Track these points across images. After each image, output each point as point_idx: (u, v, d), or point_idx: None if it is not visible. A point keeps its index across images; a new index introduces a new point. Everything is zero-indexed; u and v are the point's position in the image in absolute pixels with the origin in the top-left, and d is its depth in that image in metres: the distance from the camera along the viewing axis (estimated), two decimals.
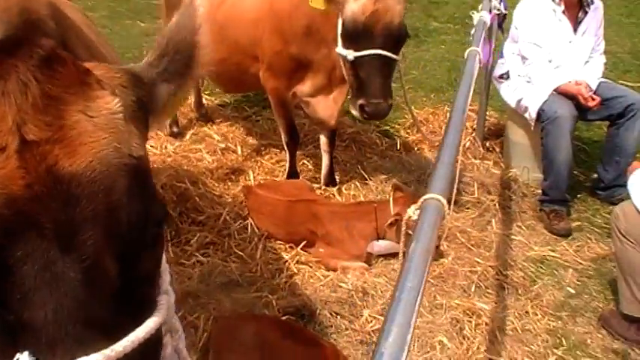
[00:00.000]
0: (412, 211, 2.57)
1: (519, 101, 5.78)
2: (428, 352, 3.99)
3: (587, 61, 5.79)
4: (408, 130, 6.97)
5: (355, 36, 4.48)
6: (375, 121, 6.45)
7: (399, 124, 7.11)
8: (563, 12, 5.68)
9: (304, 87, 5.21)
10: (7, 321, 1.19)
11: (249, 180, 5.83)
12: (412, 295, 1.95)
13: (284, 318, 4.21)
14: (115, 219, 1.25)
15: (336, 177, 5.89)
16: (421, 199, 2.54)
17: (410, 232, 2.59)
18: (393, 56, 4.55)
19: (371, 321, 4.27)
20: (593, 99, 5.37)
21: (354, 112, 4.75)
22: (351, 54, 4.51)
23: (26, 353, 1.16)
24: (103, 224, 1.22)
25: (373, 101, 4.54)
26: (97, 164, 1.23)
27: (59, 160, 1.20)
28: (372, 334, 4.17)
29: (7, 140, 1.19)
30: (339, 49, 4.60)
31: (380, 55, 4.47)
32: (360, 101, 4.59)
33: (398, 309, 1.88)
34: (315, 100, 5.31)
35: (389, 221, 4.65)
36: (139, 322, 1.32)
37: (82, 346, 1.19)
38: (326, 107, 5.33)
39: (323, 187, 5.79)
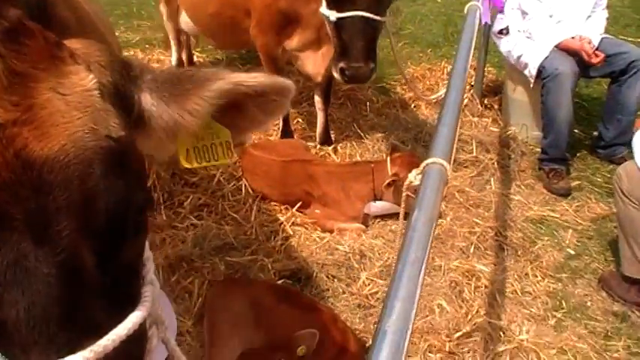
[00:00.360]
0: (413, 176, 2.47)
1: (519, 57, 5.64)
2: (427, 315, 3.92)
3: (589, 16, 5.64)
4: (405, 87, 6.84)
5: None
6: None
7: (395, 81, 7.00)
8: None
9: (293, 42, 5.06)
10: None
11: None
12: (416, 268, 1.86)
13: (280, 282, 4.13)
14: (91, 207, 1.12)
15: (332, 136, 5.77)
16: (423, 164, 2.43)
17: (410, 194, 2.50)
18: (377, 18, 4.34)
19: (368, 284, 4.20)
20: (597, 55, 5.24)
21: (335, 75, 4.56)
22: (333, 15, 4.33)
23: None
24: (78, 213, 1.10)
25: (354, 65, 4.38)
26: (71, 147, 1.10)
27: (29, 144, 1.08)
28: (370, 298, 4.09)
29: None
30: (323, 9, 4.42)
31: (362, 16, 4.28)
32: (341, 64, 4.41)
33: (401, 283, 1.79)
34: (304, 55, 5.18)
35: (386, 182, 4.55)
36: (121, 317, 1.20)
37: (57, 346, 1.08)
38: (314, 63, 5.19)
39: (318, 146, 5.68)
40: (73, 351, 1.08)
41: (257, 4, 4.98)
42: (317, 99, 5.66)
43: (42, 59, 1.14)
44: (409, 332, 1.63)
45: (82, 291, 1.12)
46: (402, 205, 2.72)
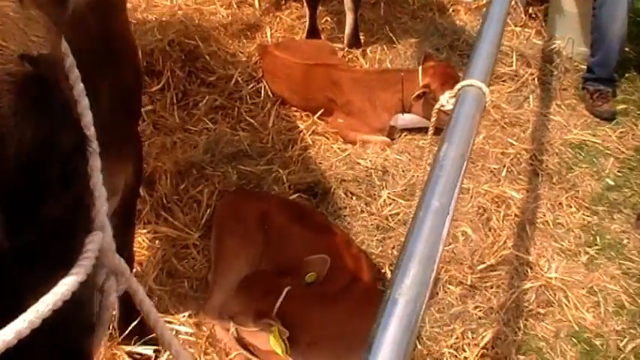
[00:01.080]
0: (446, 99, 2.13)
1: None
2: (450, 243, 3.63)
3: None
4: None
5: None
6: None
7: None
8: None
9: None
10: None
11: (266, 38, 5.32)
12: (439, 218, 1.54)
13: (294, 196, 3.86)
14: (7, 161, 0.85)
15: (361, 38, 5.35)
16: (458, 86, 2.09)
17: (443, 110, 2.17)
18: None
19: (389, 204, 3.91)
20: None
21: None
22: None
23: None
24: None
25: None
26: None
27: None
28: (390, 219, 3.82)
29: None
30: None
31: None
32: None
33: (420, 235, 1.48)
34: None
35: (416, 93, 4.20)
36: (50, 285, 0.93)
37: None
38: None
39: (346, 49, 5.28)
40: None
41: None
42: None
43: None
44: (425, 299, 1.34)
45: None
46: (432, 123, 2.39)
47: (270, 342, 2.84)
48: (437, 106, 2.15)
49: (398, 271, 1.37)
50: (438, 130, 2.35)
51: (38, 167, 0.89)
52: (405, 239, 1.48)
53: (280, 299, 2.90)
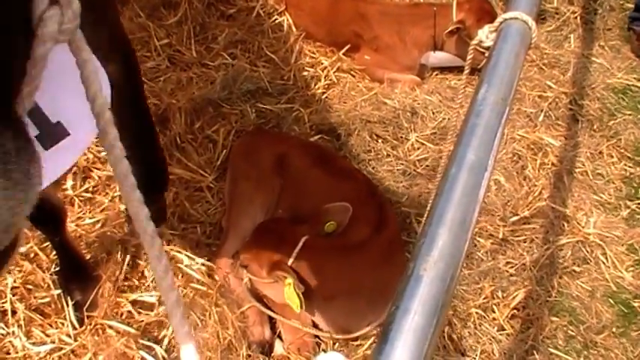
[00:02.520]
0: (485, 35, 1.86)
1: None
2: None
3: None
4: None
5: None
6: None
7: None
8: None
9: None
10: None
11: None
12: (476, 175, 1.31)
13: (316, 137, 3.62)
14: None
15: None
16: (500, 18, 1.82)
17: (480, 49, 1.90)
18: None
19: (418, 148, 3.67)
20: None
21: None
22: None
23: None
24: None
25: None
26: None
27: None
28: (417, 165, 3.58)
29: None
30: None
31: None
32: None
33: (451, 196, 1.24)
34: None
35: (449, 29, 3.90)
36: None
37: None
38: None
39: None
40: None
41: None
42: None
43: None
44: (456, 280, 1.11)
45: None
46: (468, 62, 2.12)
47: (285, 295, 2.64)
48: (474, 41, 1.87)
49: (424, 239, 1.13)
50: (473, 71, 2.09)
51: None
52: (434, 200, 1.24)
53: (297, 249, 2.69)
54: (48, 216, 2.66)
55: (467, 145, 1.36)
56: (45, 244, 3.08)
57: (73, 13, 0.86)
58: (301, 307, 2.61)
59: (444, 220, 1.17)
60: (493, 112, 1.47)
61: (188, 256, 3.10)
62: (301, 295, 2.59)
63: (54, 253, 3.01)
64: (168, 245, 3.12)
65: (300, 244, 2.70)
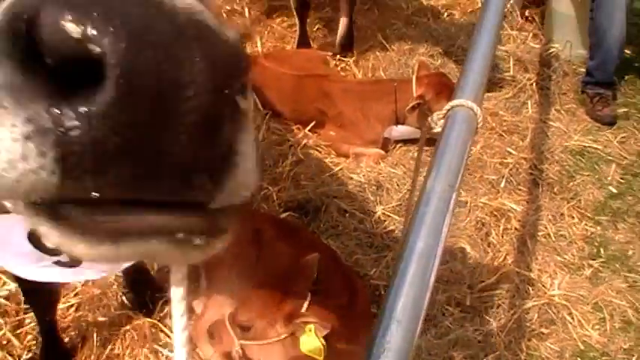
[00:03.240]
0: (434, 121, 1.97)
1: None
2: (447, 262, 3.48)
3: None
4: None
5: None
6: None
7: None
8: None
9: None
10: None
11: (257, 47, 5.18)
12: (425, 261, 1.39)
13: (285, 214, 3.71)
14: None
15: (355, 46, 5.21)
16: (447, 106, 1.93)
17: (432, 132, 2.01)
18: None
19: (384, 220, 3.77)
20: None
21: None
22: None
23: None
24: None
25: None
26: None
27: None
28: (385, 237, 3.67)
29: None
30: None
31: None
32: None
33: (404, 280, 1.33)
34: None
35: (410, 105, 4.04)
36: None
37: None
38: None
39: (338, 57, 5.13)
40: None
41: None
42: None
43: None
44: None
45: None
46: (420, 146, 2.23)
47: (303, 346, 2.58)
48: (424, 128, 2.00)
49: (377, 331, 1.22)
50: (431, 141, 2.20)
51: None
52: (390, 281, 1.33)
53: (308, 299, 2.70)
54: (44, 294, 2.72)
55: (417, 234, 1.46)
56: (19, 331, 3.11)
57: None
58: (324, 352, 2.57)
59: (394, 314, 1.25)
60: (441, 199, 1.57)
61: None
62: (323, 340, 2.56)
63: (28, 339, 3.04)
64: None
65: (309, 296, 2.71)
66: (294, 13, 5.05)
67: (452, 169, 1.67)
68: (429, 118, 1.98)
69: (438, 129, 1.93)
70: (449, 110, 1.91)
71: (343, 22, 5.11)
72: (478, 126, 1.90)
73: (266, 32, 5.43)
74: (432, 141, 2.15)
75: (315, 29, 5.42)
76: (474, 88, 2.00)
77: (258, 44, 5.22)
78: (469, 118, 1.87)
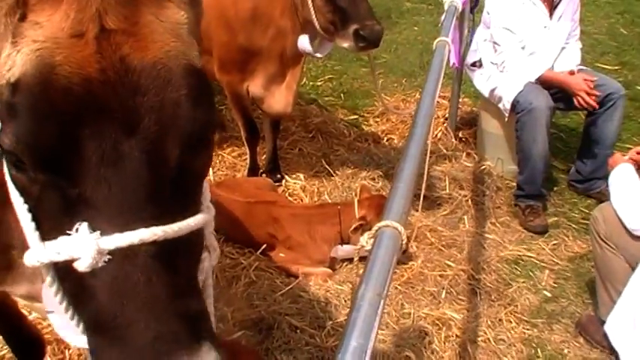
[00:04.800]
0: (365, 240, 2.27)
1: (493, 90, 5.48)
2: None
3: (563, 48, 5.48)
4: (378, 119, 6.66)
5: None
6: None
7: (368, 113, 6.80)
8: None
9: (257, 79, 4.89)
10: (70, 195, 1.27)
11: (208, 176, 5.48)
12: (358, 358, 1.65)
13: (239, 333, 3.92)
14: (177, 112, 1.30)
15: (302, 173, 5.62)
16: (375, 227, 2.23)
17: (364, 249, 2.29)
18: None
19: (333, 334, 3.99)
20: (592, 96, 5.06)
21: (346, 44, 4.32)
22: None
23: (85, 224, 1.25)
24: (166, 115, 1.29)
25: (369, 23, 4.17)
26: (165, 61, 1.31)
27: (132, 52, 1.28)
28: (334, 350, 3.87)
29: (88, 27, 1.26)
30: None
31: None
32: (354, 26, 4.18)
33: None
34: (269, 94, 4.96)
35: (353, 226, 4.36)
36: (183, 217, 1.34)
37: (139, 220, 1.25)
38: (280, 98, 4.98)
39: (284, 182, 5.51)
40: (149, 225, 1.26)
41: (215, 43, 4.80)
42: (266, 127, 5.53)
43: None
44: None
45: (163, 180, 1.30)
46: (356, 261, 2.51)
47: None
48: (357, 246, 2.29)
49: None
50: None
51: (197, 128, 1.34)
52: None
53: None
54: (33, 346, 2.96)
55: (350, 335, 1.72)
56: None
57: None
58: None
59: None
60: (370, 306, 1.84)
61: None
62: None
63: None
64: None
65: None
66: (245, 142, 5.40)
67: (380, 280, 1.96)
68: (361, 238, 2.28)
69: (368, 247, 2.22)
70: (377, 230, 2.22)
71: (268, 148, 5.55)
72: (403, 243, 2.20)
73: (217, 161, 5.76)
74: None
75: (263, 157, 5.75)
76: (398, 210, 2.32)
77: (210, 173, 5.53)
78: (394, 236, 2.17)
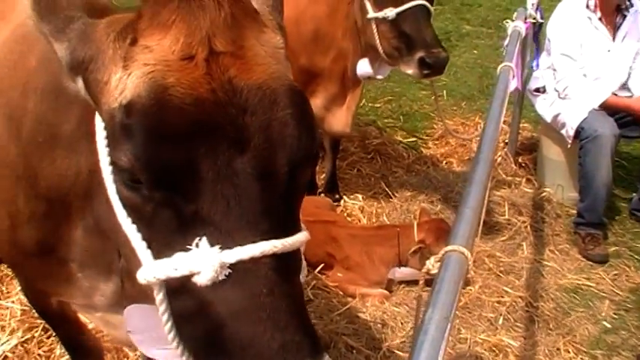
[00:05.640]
0: (431, 264, 2.28)
1: (556, 117, 5.44)
2: None
3: (629, 71, 5.40)
4: (437, 142, 6.68)
5: None
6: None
7: (427, 135, 6.82)
8: (600, 19, 5.34)
9: (318, 100, 4.92)
10: (185, 212, 1.33)
11: None
12: None
13: None
14: (284, 130, 1.37)
15: (360, 193, 5.66)
16: (442, 251, 2.25)
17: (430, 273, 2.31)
18: (431, 7, 4.33)
19: (389, 356, 3.99)
20: None
21: (410, 71, 4.32)
22: (390, 12, 4.22)
23: (204, 239, 1.31)
24: (274, 133, 1.36)
25: (433, 51, 4.18)
26: (270, 83, 1.39)
27: (239, 74, 1.36)
28: None
29: (198, 50, 1.35)
30: (372, 13, 4.30)
31: (423, 5, 4.23)
32: (419, 54, 4.18)
33: None
34: (330, 115, 5.02)
35: (412, 249, 4.36)
36: (293, 232, 1.40)
37: (257, 234, 1.31)
38: (340, 118, 5.02)
39: (343, 202, 5.55)
40: (267, 239, 1.32)
41: None
42: (326, 147, 5.58)
43: (249, 15, 1.48)
44: None
45: (275, 195, 1.36)
46: (420, 285, 2.52)
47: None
48: (424, 270, 2.30)
49: None
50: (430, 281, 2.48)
51: (303, 146, 1.41)
52: None
53: None
54: (91, 354, 3.10)
55: (417, 358, 1.74)
56: None
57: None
58: None
59: None
60: (437, 329, 1.86)
61: None
62: None
63: None
64: None
65: None
66: None
67: (446, 304, 1.97)
68: (427, 262, 2.30)
69: (434, 271, 2.24)
70: (444, 254, 2.23)
71: (327, 168, 5.60)
72: (469, 267, 2.22)
73: None
74: (431, 281, 2.44)
75: (321, 177, 5.79)
76: (465, 235, 2.33)
77: None
78: (461, 261, 2.18)
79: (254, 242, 1.30)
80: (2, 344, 3.94)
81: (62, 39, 1.48)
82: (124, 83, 1.36)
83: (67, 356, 3.74)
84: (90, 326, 3.59)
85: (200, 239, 1.30)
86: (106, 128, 1.47)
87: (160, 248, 1.38)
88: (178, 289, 1.36)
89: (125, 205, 1.45)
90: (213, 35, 1.37)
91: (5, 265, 4.56)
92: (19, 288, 4.35)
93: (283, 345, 1.26)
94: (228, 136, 1.31)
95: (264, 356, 1.25)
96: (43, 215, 2.08)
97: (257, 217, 1.32)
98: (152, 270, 1.37)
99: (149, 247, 1.41)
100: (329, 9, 4.64)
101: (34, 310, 4.00)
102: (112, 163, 1.42)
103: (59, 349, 3.90)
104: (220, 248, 1.30)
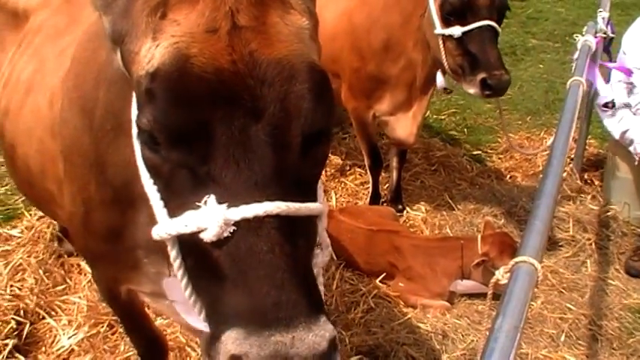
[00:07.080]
0: (501, 274, 2.30)
1: (624, 133, 5.34)
2: None
3: None
4: (501, 156, 6.64)
5: (460, 11, 4.23)
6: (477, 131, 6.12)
7: (491, 149, 6.78)
8: None
9: (383, 105, 5.01)
10: (199, 173, 1.42)
11: (331, 202, 5.62)
12: None
13: (356, 358, 3.98)
14: (299, 103, 1.44)
15: (423, 205, 5.67)
16: (512, 262, 2.27)
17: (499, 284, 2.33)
18: (498, 27, 4.31)
19: None
20: None
21: (472, 91, 4.33)
22: (457, 30, 4.24)
23: (213, 197, 1.39)
24: (290, 105, 1.43)
25: (496, 73, 4.18)
26: (290, 58, 1.46)
27: (260, 48, 1.44)
28: None
29: (221, 23, 1.44)
30: (439, 30, 4.32)
31: (490, 25, 4.22)
32: (482, 75, 4.19)
33: None
34: (394, 119, 5.08)
35: (475, 262, 4.36)
36: (307, 202, 1.47)
37: (264, 196, 1.39)
38: (405, 125, 5.08)
39: (405, 213, 5.56)
40: (273, 200, 1.39)
41: (345, 68, 4.95)
42: (392, 157, 5.62)
43: None
44: None
45: (285, 162, 1.43)
46: (489, 296, 2.54)
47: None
48: (493, 280, 2.32)
49: None
50: (496, 296, 2.49)
51: (319, 122, 1.49)
52: None
53: None
54: (156, 348, 3.27)
55: None
56: None
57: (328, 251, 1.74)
58: None
59: None
60: (507, 338, 1.88)
61: None
62: None
63: None
64: None
65: None
66: (368, 170, 5.51)
67: (516, 313, 1.99)
68: (497, 272, 2.32)
69: (504, 281, 2.26)
70: (514, 265, 2.25)
71: (394, 175, 5.63)
72: (538, 279, 2.23)
73: (340, 188, 5.90)
74: (496, 296, 2.46)
75: (385, 188, 5.82)
76: (534, 246, 2.34)
77: (333, 199, 5.65)
78: (531, 272, 2.20)
79: (259, 202, 1.37)
80: (69, 337, 4.07)
81: (109, 13, 1.62)
82: (152, 53, 1.46)
83: (131, 353, 3.85)
84: (156, 323, 3.70)
85: (209, 197, 1.39)
86: (136, 97, 1.58)
87: (175, 207, 1.48)
88: (192, 248, 1.45)
89: (147, 167, 1.55)
90: (237, 11, 1.44)
91: (73, 260, 4.72)
92: (85, 283, 4.50)
93: (278, 302, 1.32)
94: (244, 105, 1.40)
95: (258, 312, 1.31)
96: (111, 201, 2.22)
97: (266, 181, 1.40)
98: (165, 227, 1.48)
99: (165, 206, 1.52)
100: (402, 20, 4.69)
101: (100, 306, 4.14)
102: (137, 126, 1.51)
103: (123, 346, 4.00)
104: (227, 206, 1.37)
